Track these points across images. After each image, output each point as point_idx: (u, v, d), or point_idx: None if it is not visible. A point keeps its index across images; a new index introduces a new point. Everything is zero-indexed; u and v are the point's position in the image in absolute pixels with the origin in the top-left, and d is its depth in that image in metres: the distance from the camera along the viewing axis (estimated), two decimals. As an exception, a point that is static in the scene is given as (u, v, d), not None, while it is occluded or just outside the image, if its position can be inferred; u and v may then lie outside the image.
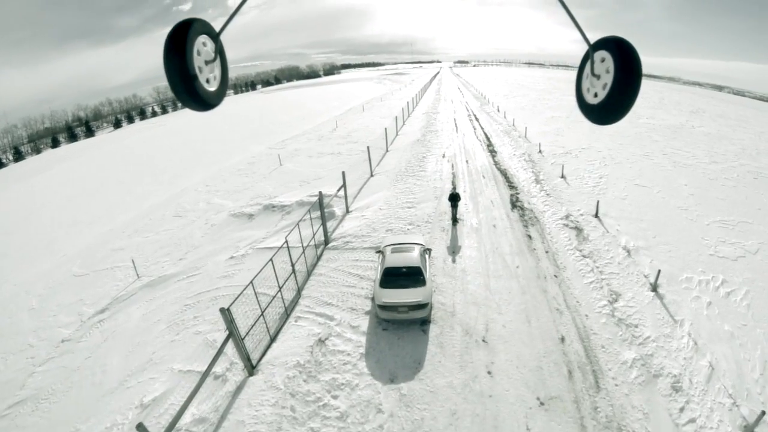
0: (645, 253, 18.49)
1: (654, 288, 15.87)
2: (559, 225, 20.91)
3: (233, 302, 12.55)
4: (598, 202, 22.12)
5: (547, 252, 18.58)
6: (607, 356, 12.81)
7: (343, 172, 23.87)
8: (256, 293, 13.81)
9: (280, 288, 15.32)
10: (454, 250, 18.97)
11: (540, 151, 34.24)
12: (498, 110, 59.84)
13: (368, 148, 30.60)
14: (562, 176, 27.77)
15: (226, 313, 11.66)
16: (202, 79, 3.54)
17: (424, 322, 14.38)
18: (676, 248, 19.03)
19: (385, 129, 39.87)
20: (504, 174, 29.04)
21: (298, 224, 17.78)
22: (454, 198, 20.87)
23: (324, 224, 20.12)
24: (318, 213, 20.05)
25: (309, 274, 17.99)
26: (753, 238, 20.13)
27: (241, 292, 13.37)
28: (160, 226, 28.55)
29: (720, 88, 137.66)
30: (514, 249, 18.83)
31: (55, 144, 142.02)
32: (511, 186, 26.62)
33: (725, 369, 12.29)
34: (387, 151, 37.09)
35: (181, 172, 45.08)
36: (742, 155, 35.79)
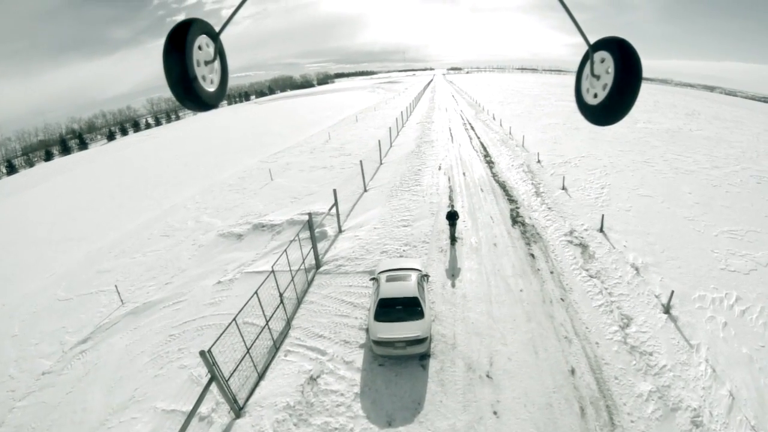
0: (654, 270, 17.52)
1: (667, 310, 14.92)
2: (563, 242, 19.87)
3: (215, 342, 11.52)
4: (603, 216, 21.14)
5: (552, 272, 17.53)
6: (621, 389, 11.84)
7: (335, 190, 22.79)
8: (240, 331, 12.76)
9: (267, 322, 14.26)
10: (453, 273, 17.87)
11: (539, 161, 33.24)
12: (493, 118, 58.85)
13: (361, 162, 29.55)
14: (563, 188, 26.78)
15: (206, 356, 10.67)
16: (201, 79, 3.50)
17: (424, 357, 13.31)
18: (686, 263, 18.09)
19: (379, 141, 38.88)
20: (503, 187, 28.00)
21: (285, 251, 16.71)
22: (452, 216, 19.77)
23: (314, 248, 19.05)
24: (310, 233, 19.04)
25: (299, 302, 16.93)
26: (763, 248, 19.32)
27: (223, 332, 12.28)
28: (147, 247, 27.62)
29: (712, 89, 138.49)
30: (516, 270, 17.77)
31: (48, 157, 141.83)
32: (511, 200, 25.55)
33: (746, 398, 11.46)
34: (381, 164, 36.07)
35: (173, 187, 44.51)
36: (743, 159, 35.14)
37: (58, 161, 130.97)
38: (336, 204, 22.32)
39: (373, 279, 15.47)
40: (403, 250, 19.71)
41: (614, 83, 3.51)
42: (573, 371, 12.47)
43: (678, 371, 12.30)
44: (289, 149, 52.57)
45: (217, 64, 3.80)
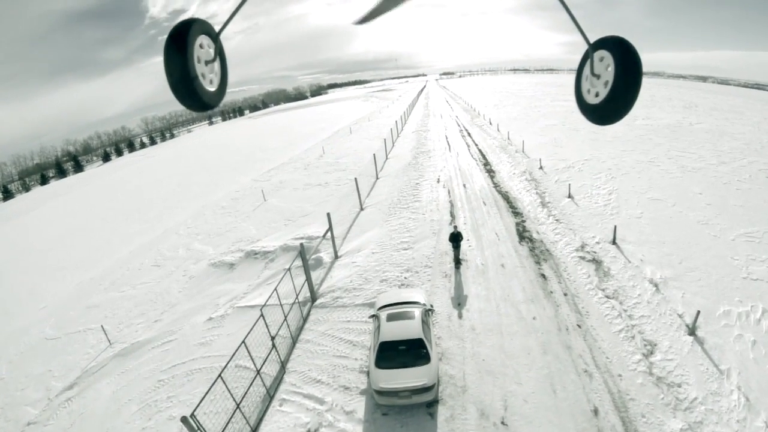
0: (674, 285, 16.24)
1: (692, 331, 13.66)
2: (575, 258, 18.53)
3: (199, 404, 10.31)
4: (615, 227, 19.80)
5: (565, 294, 16.20)
6: (650, 429, 10.63)
7: (328, 214, 21.50)
8: (228, 387, 11.49)
9: (258, 371, 13.01)
10: (459, 301, 16.51)
11: (541, 167, 31.94)
12: (490, 123, 57.57)
13: (356, 180, 28.19)
14: (570, 196, 25.48)
15: (190, 421, 9.46)
16: (201, 79, 3.50)
17: (432, 404, 11.99)
18: (706, 274, 16.81)
19: (374, 155, 37.56)
20: (506, 198, 26.66)
21: (275, 290, 15.41)
22: (456, 238, 18.36)
23: (309, 280, 17.77)
24: (303, 265, 17.79)
25: (294, 341, 15.66)
26: (784, 252, 17.88)
27: (207, 391, 10.98)
28: (137, 278, 26.59)
29: (704, 79, 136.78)
30: (527, 294, 16.43)
31: (44, 181, 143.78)
32: (516, 212, 24.20)
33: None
34: (377, 178, 34.83)
35: (167, 208, 44.55)
36: (748, 151, 33.93)
37: (54, 185, 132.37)
38: (330, 228, 21.05)
39: (372, 316, 14.11)
40: (405, 278, 18.36)
41: (615, 82, 3.54)
42: (596, 411, 11.21)
43: (710, 404, 11.13)
44: (283, 165, 51.65)
45: (217, 63, 3.79)
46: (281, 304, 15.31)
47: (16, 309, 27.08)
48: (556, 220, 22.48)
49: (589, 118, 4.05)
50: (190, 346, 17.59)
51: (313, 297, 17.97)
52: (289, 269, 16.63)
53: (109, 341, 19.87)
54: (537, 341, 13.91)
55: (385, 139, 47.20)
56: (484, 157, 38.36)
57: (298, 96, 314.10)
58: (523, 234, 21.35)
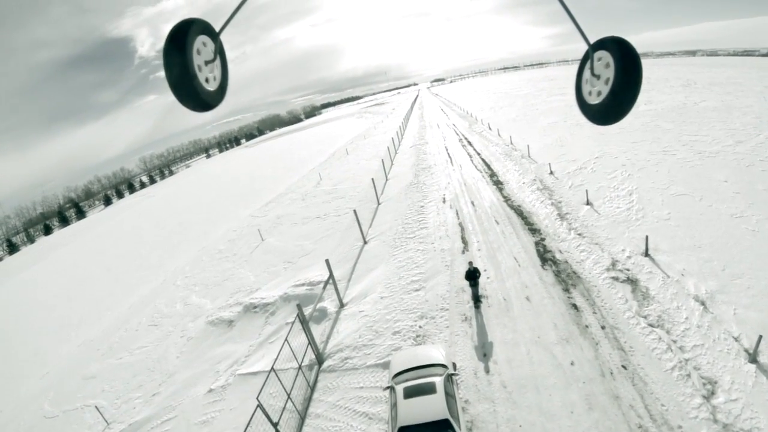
0: (722, 299, 14.14)
1: (753, 358, 11.62)
2: (607, 280, 16.32)
3: None
4: (647, 237, 17.63)
5: (603, 327, 14.00)
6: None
7: (327, 261, 19.40)
8: None
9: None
10: (484, 350, 14.28)
11: (551, 173, 29.78)
12: (489, 127, 55.38)
13: (355, 212, 26.11)
14: (588, 203, 23.33)
15: None
16: (201, 79, 3.45)
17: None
18: (754, 281, 14.77)
19: (372, 180, 35.40)
20: (519, 213, 24.40)
21: (273, 368, 13.31)
22: (473, 275, 16.09)
23: (312, 344, 15.70)
24: (308, 307, 15.90)
25: (303, 417, 13.58)
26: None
27: None
28: (134, 342, 25.08)
29: (693, 53, 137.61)
30: (560, 332, 14.20)
31: (48, 231, 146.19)
32: (533, 229, 21.99)
33: None
34: (379, 203, 32.79)
35: (168, 252, 44.74)
36: (762, 126, 32.16)
37: (58, 234, 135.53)
38: (331, 275, 18.97)
39: (388, 388, 11.98)
40: (419, 327, 16.13)
41: (614, 82, 3.56)
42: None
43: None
44: (280, 197, 50.45)
45: (217, 63, 3.71)
46: (285, 390, 13.30)
47: (21, 374, 26.88)
48: (579, 234, 20.29)
49: (589, 119, 4.02)
50: (190, 425, 15.90)
51: (320, 359, 15.90)
52: (287, 338, 14.55)
53: (106, 421, 18.46)
54: (579, 394, 11.75)
55: (383, 160, 45.38)
56: (488, 167, 36.16)
57: (293, 119, 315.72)
58: (544, 255, 19.11)
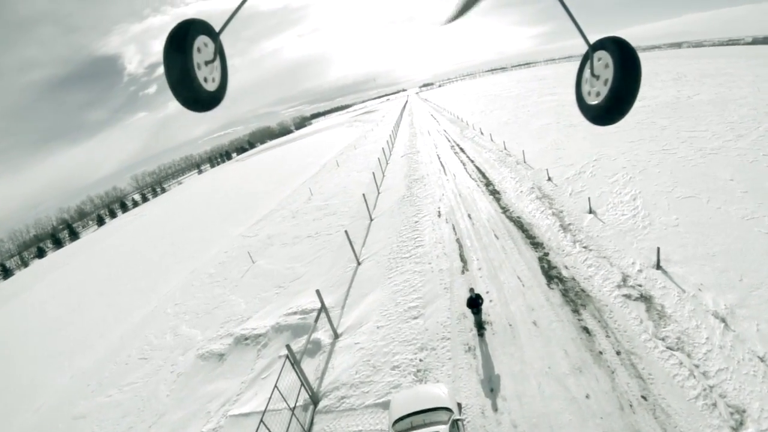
0: (743, 314, 13.09)
1: (784, 381, 10.49)
2: (619, 298, 15.11)
3: None
4: (658, 249, 16.47)
5: (618, 353, 12.78)
6: None
7: (318, 292, 18.02)
8: None
9: None
10: (491, 385, 12.96)
11: (549, 179, 28.63)
12: (481, 132, 54.25)
13: (347, 233, 24.82)
14: (591, 211, 22.21)
15: None
16: (201, 79, 3.40)
17: None
18: (776, 290, 13.62)
19: (363, 195, 34.08)
20: (519, 225, 23.14)
21: (261, 421, 12.06)
22: (475, 303, 14.76)
23: (305, 385, 14.45)
24: (302, 338, 14.75)
25: (298, 473, 12.33)
26: None
27: None
28: (124, 377, 23.79)
29: (679, 45, 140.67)
30: (572, 360, 12.95)
31: (41, 254, 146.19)
32: (534, 243, 20.72)
33: None
34: (371, 219, 31.56)
35: (160, 274, 43.87)
36: (760, 117, 31.76)
37: (51, 257, 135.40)
38: (323, 307, 17.68)
39: None
40: (420, 361, 14.81)
41: (614, 82, 3.56)
42: None
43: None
44: (272, 213, 49.47)
45: (217, 63, 3.66)
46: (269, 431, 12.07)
47: (15, 406, 26.17)
48: (584, 247, 19.08)
49: (589, 119, 3.95)
50: (180, 475, 14.56)
51: (315, 399, 14.64)
52: (276, 382, 13.29)
53: (96, 471, 16.88)
54: (597, 431, 10.59)
55: (374, 173, 44.30)
56: (483, 175, 34.92)
57: (283, 131, 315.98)
58: (549, 273, 17.82)
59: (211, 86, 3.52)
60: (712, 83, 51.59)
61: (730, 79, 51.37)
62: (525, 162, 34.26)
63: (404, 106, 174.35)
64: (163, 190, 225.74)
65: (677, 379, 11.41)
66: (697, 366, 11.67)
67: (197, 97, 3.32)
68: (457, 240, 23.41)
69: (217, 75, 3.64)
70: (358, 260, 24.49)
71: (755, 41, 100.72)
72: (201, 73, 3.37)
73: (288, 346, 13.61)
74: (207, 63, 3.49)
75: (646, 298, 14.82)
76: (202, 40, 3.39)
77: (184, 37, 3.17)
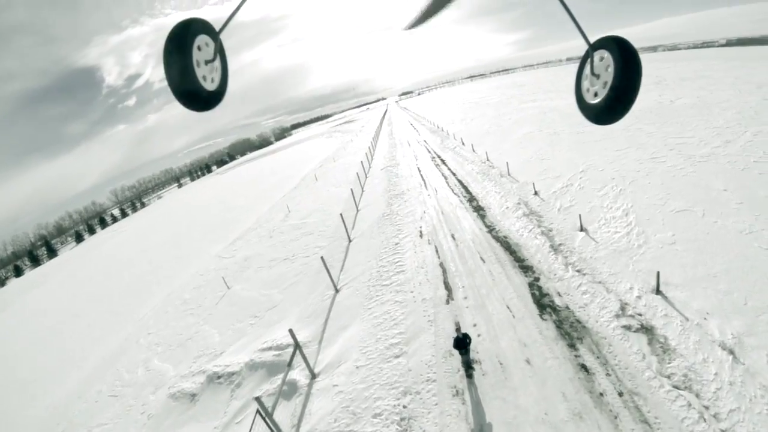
0: (752, 343, 12.05)
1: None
2: (618, 330, 13.85)
3: None
4: (658, 273, 15.28)
5: (621, 394, 11.50)
6: None
7: (291, 331, 16.38)
8: None
9: None
10: (482, 435, 11.71)
11: (536, 193, 27.46)
12: (462, 142, 53.12)
13: (323, 259, 23.23)
14: (582, 228, 21.06)
15: None
16: (201, 77, 3.42)
17: None
18: (785, 316, 12.62)
19: (342, 216, 32.67)
20: (506, 246, 21.80)
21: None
22: (462, 343, 13.33)
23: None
24: (277, 377, 13.80)
25: None
26: None
27: None
28: (93, 418, 22.07)
29: (654, 49, 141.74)
30: (571, 404, 11.64)
31: (19, 273, 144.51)
32: (524, 266, 19.36)
33: None
34: (350, 240, 30.03)
35: (136, 296, 43.10)
36: (745, 121, 31.48)
37: (29, 274, 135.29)
38: (297, 346, 16.18)
39: None
40: (404, 407, 13.31)
41: (614, 81, 3.55)
42: None
43: None
44: (248, 233, 47.99)
45: (217, 63, 3.70)
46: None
47: None
48: (578, 270, 17.79)
49: (589, 119, 3.95)
50: None
51: (289, 455, 13.22)
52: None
53: None
54: (608, 499, 9.32)
55: (352, 189, 42.96)
56: (466, 189, 33.61)
57: (263, 143, 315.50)
58: (541, 301, 16.45)
59: (210, 85, 3.52)
60: (692, 86, 51.74)
61: (709, 82, 51.56)
62: (509, 174, 33.10)
63: (383, 116, 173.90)
64: (143, 205, 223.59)
65: (686, 423, 10.27)
66: (707, 407, 10.54)
67: (196, 96, 3.32)
68: (441, 264, 21.97)
69: (217, 74, 3.66)
70: (336, 287, 22.98)
71: (729, 43, 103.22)
72: (200, 72, 3.37)
73: (258, 399, 12.15)
74: (207, 62, 3.50)
75: (647, 329, 13.62)
76: (202, 39, 3.41)
77: (184, 36, 3.17)
